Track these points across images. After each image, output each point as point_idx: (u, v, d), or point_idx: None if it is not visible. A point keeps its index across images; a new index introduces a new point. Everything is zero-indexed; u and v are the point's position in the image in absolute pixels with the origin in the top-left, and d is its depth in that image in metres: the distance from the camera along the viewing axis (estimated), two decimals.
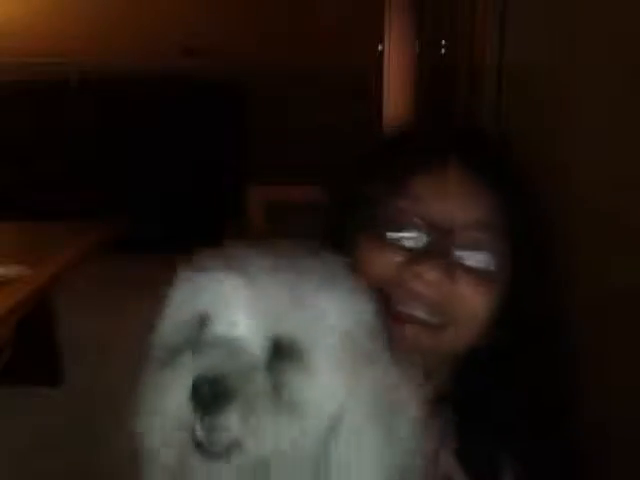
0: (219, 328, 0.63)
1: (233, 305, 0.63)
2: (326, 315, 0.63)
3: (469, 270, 0.80)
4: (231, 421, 0.58)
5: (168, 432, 0.61)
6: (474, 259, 0.80)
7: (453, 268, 0.79)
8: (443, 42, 2.92)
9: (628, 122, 1.40)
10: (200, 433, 0.59)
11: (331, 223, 0.89)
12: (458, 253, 0.80)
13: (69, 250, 2.63)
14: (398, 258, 0.80)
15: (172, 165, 4.87)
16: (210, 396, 0.58)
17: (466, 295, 0.79)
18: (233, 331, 0.62)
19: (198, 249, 0.71)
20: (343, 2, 4.85)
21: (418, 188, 0.81)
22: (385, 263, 0.80)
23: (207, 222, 4.21)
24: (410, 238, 0.81)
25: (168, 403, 0.60)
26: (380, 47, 4.06)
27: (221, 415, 0.58)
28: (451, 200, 0.81)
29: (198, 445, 0.60)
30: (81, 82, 4.97)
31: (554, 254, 0.86)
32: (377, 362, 0.65)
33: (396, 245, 0.81)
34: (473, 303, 0.80)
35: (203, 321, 0.64)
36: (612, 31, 1.43)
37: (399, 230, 0.81)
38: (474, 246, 0.80)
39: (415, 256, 0.79)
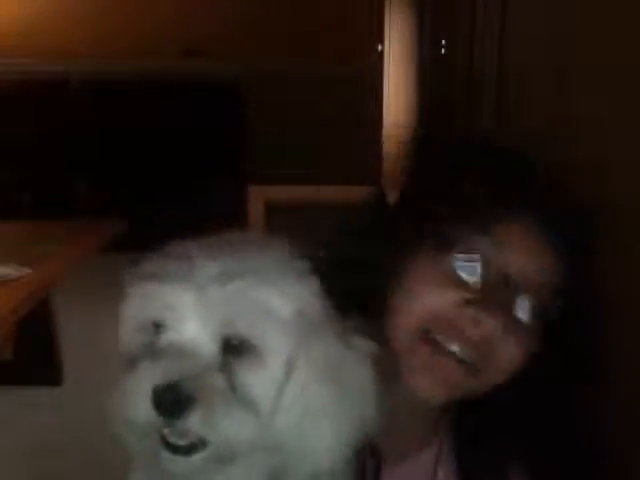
0: (172, 335, 0.67)
1: (182, 312, 0.66)
2: (271, 309, 0.67)
3: (517, 321, 0.80)
4: (193, 423, 0.63)
5: (140, 432, 0.66)
6: (524, 311, 0.81)
7: (509, 320, 0.79)
8: (443, 42, 2.93)
9: (628, 122, 1.40)
10: (167, 433, 0.65)
11: (380, 235, 0.85)
12: (515, 304, 0.80)
13: (69, 250, 2.63)
14: (457, 295, 0.79)
15: (172, 165, 4.87)
16: (171, 403, 0.62)
17: (508, 345, 0.80)
18: (185, 337, 0.66)
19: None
20: (343, 2, 4.84)
21: (502, 235, 0.81)
22: (442, 296, 0.80)
23: (207, 222, 4.20)
24: (476, 278, 0.80)
25: (134, 408, 0.64)
26: (380, 47, 4.06)
27: (183, 419, 0.63)
28: (526, 253, 0.81)
29: (166, 444, 0.65)
30: (81, 82, 4.97)
31: (601, 308, 0.87)
32: (324, 334, 0.69)
33: (458, 281, 0.80)
34: (512, 353, 0.80)
35: (157, 328, 0.68)
36: (612, 31, 1.43)
37: (471, 270, 0.80)
38: (529, 299, 0.81)
39: (477, 299, 0.79)
